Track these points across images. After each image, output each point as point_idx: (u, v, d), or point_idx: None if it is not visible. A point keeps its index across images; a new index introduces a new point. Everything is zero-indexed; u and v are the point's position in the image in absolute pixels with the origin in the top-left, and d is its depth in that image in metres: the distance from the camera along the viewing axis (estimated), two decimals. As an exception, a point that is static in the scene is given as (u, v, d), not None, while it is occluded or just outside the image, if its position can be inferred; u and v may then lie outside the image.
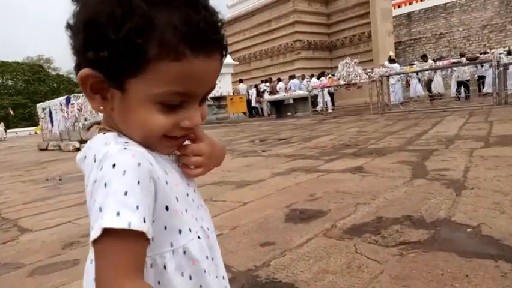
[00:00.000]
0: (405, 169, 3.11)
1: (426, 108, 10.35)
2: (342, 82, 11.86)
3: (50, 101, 11.73)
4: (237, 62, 20.62)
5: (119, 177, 0.45)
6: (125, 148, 0.48)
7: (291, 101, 14.84)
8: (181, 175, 0.58)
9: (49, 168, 6.25)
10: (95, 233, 0.43)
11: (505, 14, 20.29)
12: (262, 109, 18.44)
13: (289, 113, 14.87)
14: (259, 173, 3.65)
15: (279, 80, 18.34)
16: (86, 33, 0.46)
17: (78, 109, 9.32)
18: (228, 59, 18.97)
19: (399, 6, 23.87)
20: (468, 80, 12.89)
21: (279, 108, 15.28)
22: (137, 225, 0.43)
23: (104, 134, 0.52)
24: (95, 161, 0.48)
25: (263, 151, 5.30)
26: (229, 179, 3.46)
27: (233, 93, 17.93)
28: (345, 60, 11.87)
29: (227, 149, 5.95)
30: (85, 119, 9.13)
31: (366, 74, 11.26)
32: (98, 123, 0.56)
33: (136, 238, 0.44)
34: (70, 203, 3.18)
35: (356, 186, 2.73)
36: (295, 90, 15.52)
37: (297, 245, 1.74)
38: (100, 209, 0.44)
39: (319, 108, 14.47)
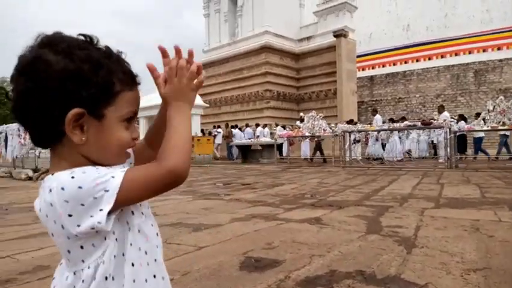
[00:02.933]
0: (361, 223, 3.20)
1: (384, 166, 10.83)
2: (307, 133, 12.27)
3: (7, 125, 11.17)
4: (208, 105, 20.87)
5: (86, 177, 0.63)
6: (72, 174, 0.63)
7: (259, 147, 15.06)
8: None
9: (-6, 196, 5.82)
10: (118, 180, 0.62)
11: (456, 86, 22.31)
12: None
13: (254, 159, 15.00)
14: (218, 217, 3.60)
15: (247, 125, 18.76)
16: (74, 81, 0.63)
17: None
18: (199, 101, 19.17)
19: (363, 69, 25.67)
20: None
21: (245, 153, 15.41)
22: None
23: (52, 175, 0.64)
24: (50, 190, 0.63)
25: (225, 195, 5.26)
26: (187, 221, 3.38)
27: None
28: (311, 113, 12.37)
29: (188, 190, 5.89)
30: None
31: (330, 128, 11.75)
32: (47, 171, 0.77)
33: None
34: (12, 235, 2.96)
35: (312, 237, 2.76)
36: (258, 136, 16.04)
37: (249, 295, 1.71)
38: (95, 198, 0.61)
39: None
